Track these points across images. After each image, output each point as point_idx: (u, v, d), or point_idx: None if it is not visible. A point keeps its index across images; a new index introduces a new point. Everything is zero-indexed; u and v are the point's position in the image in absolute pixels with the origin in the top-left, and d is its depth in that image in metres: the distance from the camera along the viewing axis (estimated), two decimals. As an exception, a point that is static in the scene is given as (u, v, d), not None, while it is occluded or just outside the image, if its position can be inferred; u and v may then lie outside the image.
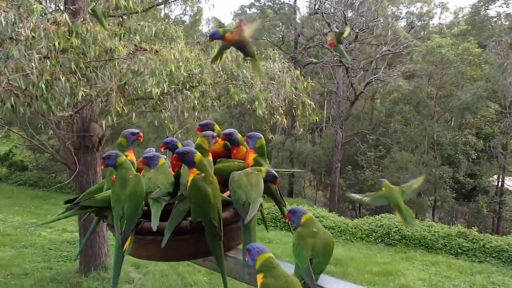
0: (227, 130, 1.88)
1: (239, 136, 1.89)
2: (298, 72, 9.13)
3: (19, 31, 5.27)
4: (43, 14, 5.84)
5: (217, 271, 1.63)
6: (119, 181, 1.53)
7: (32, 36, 5.35)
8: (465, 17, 33.12)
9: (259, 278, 1.25)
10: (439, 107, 24.94)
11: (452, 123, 26.82)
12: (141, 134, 1.90)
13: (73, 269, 10.00)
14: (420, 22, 31.53)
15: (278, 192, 1.82)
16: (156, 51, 6.77)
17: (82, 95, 6.03)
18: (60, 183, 20.05)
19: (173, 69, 6.65)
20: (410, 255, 13.52)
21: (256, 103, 8.00)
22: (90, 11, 5.42)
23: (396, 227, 15.07)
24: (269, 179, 1.68)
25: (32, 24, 5.42)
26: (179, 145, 1.84)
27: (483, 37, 26.69)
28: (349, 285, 1.45)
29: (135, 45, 6.80)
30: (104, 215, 1.65)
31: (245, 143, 1.88)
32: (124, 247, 1.47)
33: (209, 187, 1.47)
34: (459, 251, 13.70)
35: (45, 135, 14.26)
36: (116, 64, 6.34)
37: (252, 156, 1.81)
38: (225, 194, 1.65)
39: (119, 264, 1.53)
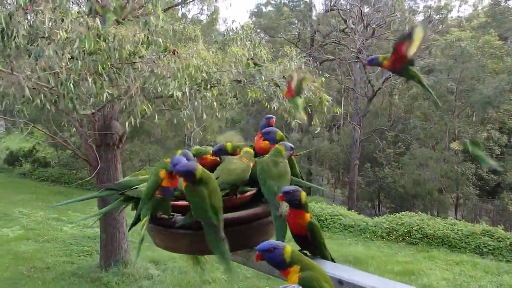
0: (267, 129, 1.91)
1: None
2: (313, 68, 9.08)
3: (56, 31, 5.40)
4: (76, 18, 5.95)
5: (246, 265, 1.68)
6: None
7: (66, 37, 5.45)
8: (484, 9, 32.44)
9: (295, 270, 1.22)
10: (459, 102, 24.42)
11: (474, 118, 26.25)
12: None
13: (94, 263, 10.14)
14: (438, 16, 30.97)
15: (298, 170, 1.86)
16: (176, 52, 6.83)
17: (107, 97, 6.17)
18: (81, 179, 20.38)
19: (193, 71, 6.69)
20: (433, 254, 13.24)
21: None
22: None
23: (418, 225, 14.78)
24: (288, 154, 1.72)
25: (67, 26, 5.54)
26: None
27: (504, 29, 26.13)
28: (359, 273, 1.43)
29: (174, 49, 6.90)
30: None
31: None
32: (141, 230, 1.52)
33: (205, 189, 1.46)
34: (485, 250, 13.33)
35: (67, 133, 14.49)
36: (139, 67, 6.41)
37: None
38: (248, 194, 1.69)
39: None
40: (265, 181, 1.58)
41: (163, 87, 6.57)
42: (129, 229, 1.56)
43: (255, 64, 8.05)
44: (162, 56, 6.65)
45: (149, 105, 6.71)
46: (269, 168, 1.61)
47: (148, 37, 6.35)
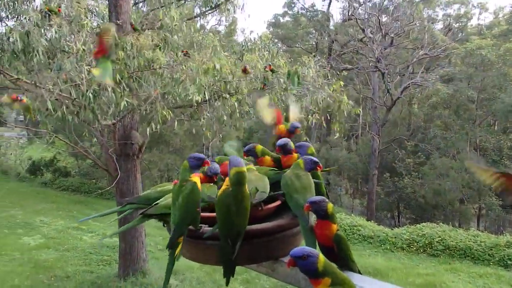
0: (281, 141, 1.90)
1: (292, 144, 1.91)
2: (328, 72, 9.07)
3: (70, 45, 5.52)
4: (92, 29, 6.09)
5: (270, 275, 1.64)
6: None
7: (83, 49, 5.56)
8: (505, 17, 31.95)
9: (326, 283, 1.20)
10: (481, 111, 24.05)
11: (496, 127, 25.79)
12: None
13: (113, 273, 10.20)
14: (457, 24, 30.68)
15: (324, 188, 1.81)
16: (187, 53, 6.93)
17: (125, 105, 6.26)
18: (101, 189, 20.56)
19: (211, 71, 6.75)
20: (455, 266, 12.95)
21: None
22: None
23: (439, 236, 14.49)
24: (311, 167, 1.68)
25: (83, 38, 5.66)
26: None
27: (526, 37, 25.62)
28: (384, 284, 1.41)
29: (182, 50, 7.03)
30: (167, 220, 1.67)
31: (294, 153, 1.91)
32: (176, 253, 1.49)
33: (235, 207, 1.45)
34: (509, 262, 12.96)
35: (87, 142, 14.70)
36: (158, 71, 6.49)
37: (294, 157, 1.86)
38: (273, 205, 1.66)
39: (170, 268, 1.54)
40: (290, 196, 1.59)
41: (183, 91, 6.61)
42: (168, 247, 1.51)
43: (272, 71, 8.08)
44: (180, 56, 6.72)
45: (169, 111, 6.75)
46: (292, 182, 1.62)
47: (165, 39, 6.43)
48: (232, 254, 1.44)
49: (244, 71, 7.76)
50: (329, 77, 8.89)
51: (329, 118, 9.13)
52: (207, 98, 6.89)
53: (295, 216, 1.58)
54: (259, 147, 1.99)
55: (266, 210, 1.65)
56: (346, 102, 8.57)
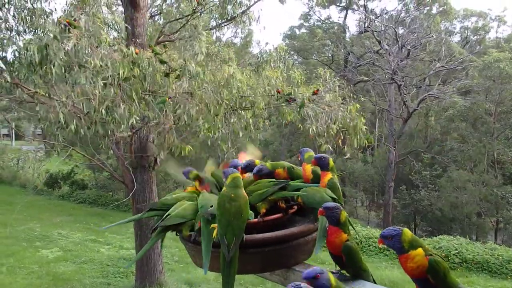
0: (318, 155, 1.87)
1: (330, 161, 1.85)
2: (348, 92, 9.02)
3: (88, 59, 5.63)
4: (111, 45, 6.19)
5: (284, 285, 1.66)
6: None
7: (100, 64, 5.69)
8: (524, 30, 31.58)
9: None
10: (499, 124, 23.75)
11: (514, 140, 25.39)
12: None
13: (130, 285, 10.26)
14: (475, 37, 30.41)
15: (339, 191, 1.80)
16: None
17: (133, 122, 6.35)
18: (117, 201, 20.64)
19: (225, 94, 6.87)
20: (472, 279, 12.75)
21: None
22: None
23: (456, 249, 14.30)
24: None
25: (101, 54, 5.77)
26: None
27: (545, 49, 25.31)
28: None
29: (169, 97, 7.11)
30: (179, 229, 1.73)
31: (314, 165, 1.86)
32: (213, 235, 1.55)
33: (229, 205, 1.54)
34: (527, 276, 12.75)
35: (104, 155, 14.86)
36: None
37: (328, 177, 1.81)
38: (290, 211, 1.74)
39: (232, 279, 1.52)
40: (312, 196, 1.66)
41: (193, 123, 6.67)
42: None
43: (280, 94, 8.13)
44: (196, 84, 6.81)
45: (183, 144, 6.80)
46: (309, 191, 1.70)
47: (185, 66, 6.53)
48: (228, 255, 1.46)
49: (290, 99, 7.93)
50: (347, 99, 8.85)
51: (343, 137, 9.03)
52: (219, 115, 6.93)
53: (312, 220, 1.63)
54: (257, 160, 1.99)
55: (279, 218, 1.71)
56: (360, 127, 8.46)
